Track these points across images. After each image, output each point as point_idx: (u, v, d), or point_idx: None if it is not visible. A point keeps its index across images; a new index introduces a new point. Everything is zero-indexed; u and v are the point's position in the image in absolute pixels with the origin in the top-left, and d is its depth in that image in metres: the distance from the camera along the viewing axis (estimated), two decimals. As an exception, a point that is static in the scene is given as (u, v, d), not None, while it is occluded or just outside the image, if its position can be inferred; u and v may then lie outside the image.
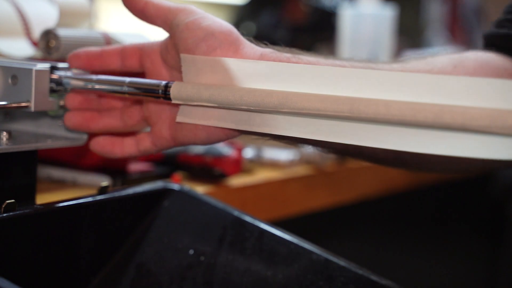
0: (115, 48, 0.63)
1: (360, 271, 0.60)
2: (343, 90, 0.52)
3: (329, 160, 1.02)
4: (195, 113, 0.59)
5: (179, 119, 0.59)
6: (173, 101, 0.57)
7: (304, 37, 1.60)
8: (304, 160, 0.99)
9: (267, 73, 0.55)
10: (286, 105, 0.53)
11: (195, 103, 0.57)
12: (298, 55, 0.58)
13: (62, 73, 0.62)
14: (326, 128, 0.54)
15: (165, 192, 0.67)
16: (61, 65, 0.62)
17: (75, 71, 0.63)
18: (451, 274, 1.46)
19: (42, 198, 0.67)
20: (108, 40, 0.73)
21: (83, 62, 0.63)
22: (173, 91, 0.57)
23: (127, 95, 0.59)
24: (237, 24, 1.77)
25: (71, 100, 0.63)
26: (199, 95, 0.56)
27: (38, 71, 0.60)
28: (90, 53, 0.63)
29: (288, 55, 0.57)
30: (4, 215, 0.54)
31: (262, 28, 1.65)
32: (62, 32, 0.69)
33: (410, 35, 1.84)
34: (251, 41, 0.59)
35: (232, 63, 0.56)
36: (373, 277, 0.60)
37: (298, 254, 0.62)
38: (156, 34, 0.66)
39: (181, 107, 0.59)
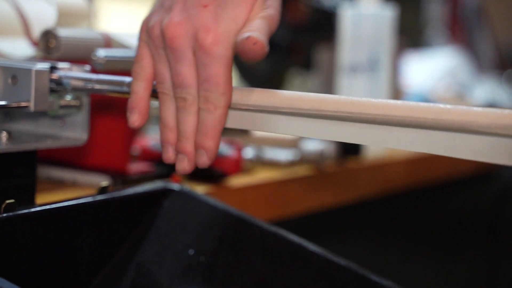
0: None
1: (360, 271, 0.60)
2: None
3: (329, 160, 1.02)
4: None
5: None
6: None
7: (304, 37, 1.60)
8: (304, 160, 0.98)
9: None
10: (287, 105, 0.53)
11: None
12: None
13: (62, 73, 0.62)
14: (327, 128, 0.54)
15: (165, 192, 0.67)
16: (61, 65, 0.62)
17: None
18: (451, 275, 1.46)
19: (42, 198, 0.67)
20: (108, 40, 0.73)
21: None
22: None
23: (127, 95, 0.59)
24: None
25: None
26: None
27: (37, 71, 0.60)
28: None
29: None
30: (4, 215, 0.54)
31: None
32: (62, 32, 0.69)
33: (410, 35, 1.84)
34: None
35: None
36: (373, 278, 0.60)
37: (298, 254, 0.62)
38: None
39: None
